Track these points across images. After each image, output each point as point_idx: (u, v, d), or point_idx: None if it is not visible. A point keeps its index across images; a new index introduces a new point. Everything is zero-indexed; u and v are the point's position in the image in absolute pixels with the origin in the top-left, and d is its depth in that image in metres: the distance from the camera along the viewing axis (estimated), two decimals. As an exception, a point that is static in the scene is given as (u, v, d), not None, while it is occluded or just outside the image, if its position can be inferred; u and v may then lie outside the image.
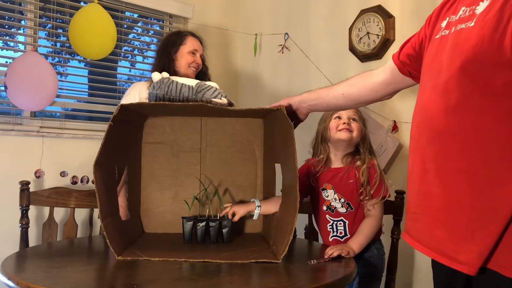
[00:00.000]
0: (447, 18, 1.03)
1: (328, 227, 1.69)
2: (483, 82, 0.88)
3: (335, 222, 1.68)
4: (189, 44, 2.07)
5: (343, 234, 1.66)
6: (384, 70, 1.32)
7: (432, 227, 0.99)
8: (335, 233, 1.68)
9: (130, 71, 2.83)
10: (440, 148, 0.96)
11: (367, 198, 1.61)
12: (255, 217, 1.63)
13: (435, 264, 1.09)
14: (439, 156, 0.96)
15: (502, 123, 0.87)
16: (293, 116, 1.46)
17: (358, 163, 1.65)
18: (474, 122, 0.90)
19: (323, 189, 1.70)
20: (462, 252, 0.92)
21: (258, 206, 1.61)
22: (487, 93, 0.88)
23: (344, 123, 1.66)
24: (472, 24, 0.92)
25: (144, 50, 2.86)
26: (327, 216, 1.69)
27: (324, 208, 1.69)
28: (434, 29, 1.08)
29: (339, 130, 1.66)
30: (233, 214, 1.60)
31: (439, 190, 0.96)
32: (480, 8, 0.92)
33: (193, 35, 2.13)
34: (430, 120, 0.99)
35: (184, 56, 2.05)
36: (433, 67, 1.02)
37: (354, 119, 1.68)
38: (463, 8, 0.99)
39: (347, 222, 1.65)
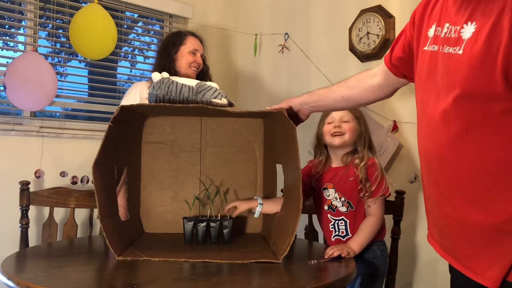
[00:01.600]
0: (433, 26, 1.03)
1: (330, 227, 1.70)
2: (480, 112, 0.89)
3: (337, 222, 1.68)
4: (190, 44, 2.07)
5: (344, 233, 1.67)
6: (378, 73, 1.32)
7: (457, 245, 1.02)
8: (337, 233, 1.68)
9: (131, 71, 2.83)
10: (449, 176, 0.98)
11: (367, 194, 1.61)
12: (256, 215, 1.63)
13: (452, 269, 1.10)
14: (450, 183, 0.98)
15: (505, 150, 0.88)
16: (294, 117, 1.46)
17: (356, 161, 1.66)
18: (477, 151, 0.91)
19: (324, 189, 1.70)
20: (485, 268, 0.95)
21: (260, 204, 1.62)
22: (486, 122, 0.89)
23: (335, 126, 1.67)
24: (461, 51, 0.91)
25: (144, 50, 2.86)
26: (328, 215, 1.70)
27: (326, 207, 1.70)
28: (421, 36, 1.08)
29: (332, 135, 1.67)
30: (233, 209, 1.61)
31: (455, 214, 0.99)
32: (466, 32, 0.92)
33: (194, 35, 2.12)
34: (435, 148, 1.00)
35: (185, 56, 2.05)
36: (428, 87, 1.02)
37: (345, 121, 1.67)
38: (447, 24, 0.98)
39: (348, 221, 1.66)
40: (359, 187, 1.62)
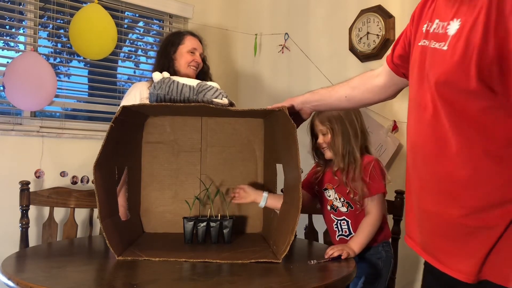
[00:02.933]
0: (427, 22, 1.04)
1: (334, 227, 1.70)
2: (460, 108, 0.90)
3: (339, 221, 1.68)
4: (188, 43, 2.07)
5: (347, 233, 1.67)
6: (382, 73, 1.32)
7: (435, 240, 1.02)
8: (340, 233, 1.69)
9: (134, 72, 2.82)
10: (431, 171, 0.99)
11: (356, 197, 1.60)
12: (261, 204, 1.65)
13: (426, 269, 1.12)
14: (433, 178, 0.99)
15: (485, 146, 0.89)
16: (296, 116, 1.46)
17: (335, 167, 1.65)
18: (458, 147, 0.92)
19: (325, 189, 1.70)
20: (458, 262, 0.96)
21: (266, 191, 1.66)
22: (467, 119, 0.90)
23: (319, 142, 1.68)
24: (446, 47, 0.93)
25: (144, 50, 2.86)
26: (331, 215, 1.70)
27: (328, 207, 1.71)
28: (417, 31, 1.09)
29: (322, 149, 1.69)
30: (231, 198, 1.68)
31: (435, 209, 1.00)
32: (452, 29, 0.93)
33: (192, 34, 2.13)
34: (421, 143, 1.01)
35: (184, 56, 2.05)
36: (418, 82, 1.03)
37: (324, 134, 1.67)
38: (436, 20, 0.99)
39: (349, 221, 1.66)
40: (347, 190, 1.62)
